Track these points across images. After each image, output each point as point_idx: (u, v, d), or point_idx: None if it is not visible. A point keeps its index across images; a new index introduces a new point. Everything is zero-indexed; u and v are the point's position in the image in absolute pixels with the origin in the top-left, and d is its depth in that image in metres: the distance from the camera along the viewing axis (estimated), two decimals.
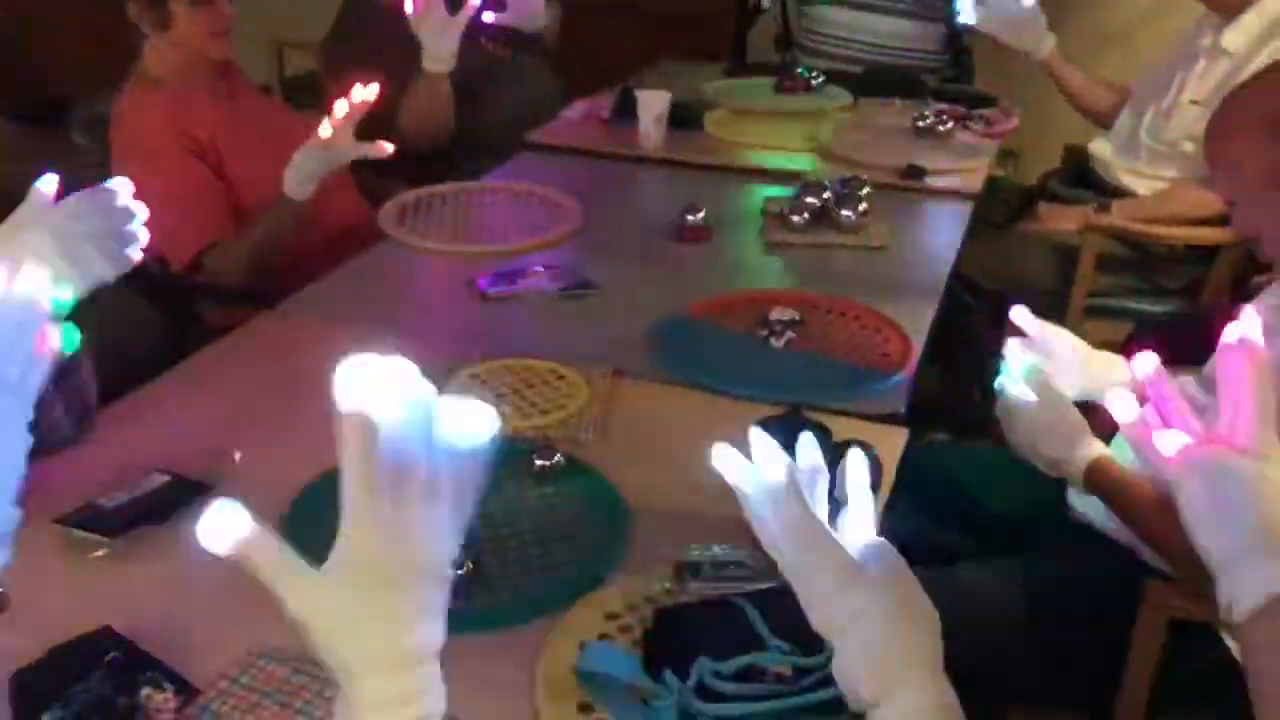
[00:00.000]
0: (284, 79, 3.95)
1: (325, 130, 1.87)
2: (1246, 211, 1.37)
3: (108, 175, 2.91)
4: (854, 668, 0.76)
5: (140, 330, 1.96)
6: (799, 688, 0.97)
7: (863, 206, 2.08)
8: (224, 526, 0.62)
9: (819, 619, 0.77)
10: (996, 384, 1.39)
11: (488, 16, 2.62)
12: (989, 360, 2.72)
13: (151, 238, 2.05)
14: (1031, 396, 1.33)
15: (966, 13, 2.74)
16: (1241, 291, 2.35)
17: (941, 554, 1.49)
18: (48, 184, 1.21)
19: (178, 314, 2.07)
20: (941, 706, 0.75)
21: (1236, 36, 2.43)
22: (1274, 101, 1.29)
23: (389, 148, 1.91)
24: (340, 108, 1.86)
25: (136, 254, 1.32)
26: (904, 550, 0.79)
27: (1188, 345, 1.62)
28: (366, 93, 1.86)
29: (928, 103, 2.81)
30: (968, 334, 2.44)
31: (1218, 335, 1.57)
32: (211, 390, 1.54)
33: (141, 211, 1.31)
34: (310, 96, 3.17)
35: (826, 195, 2.10)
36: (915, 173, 2.37)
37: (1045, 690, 1.46)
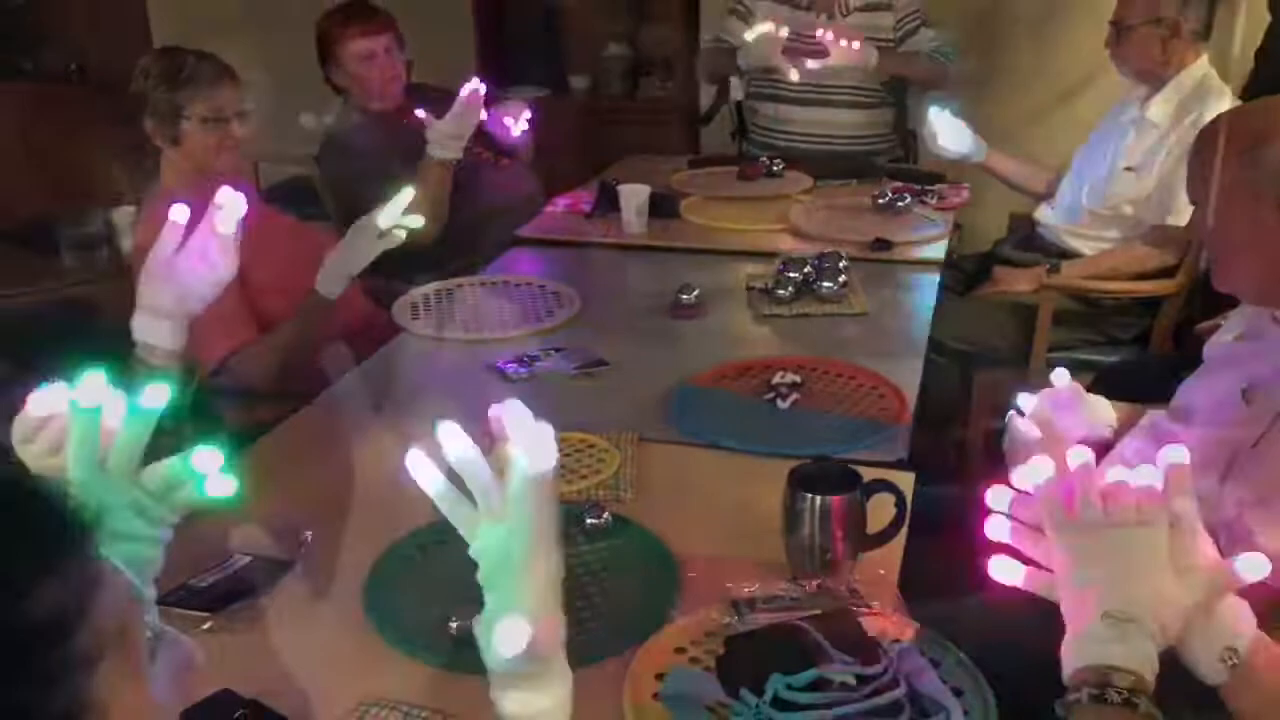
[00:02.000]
0: (260, 191, 4.09)
1: (385, 220, 2.00)
2: (1204, 216, 1.54)
3: (96, 293, 3.03)
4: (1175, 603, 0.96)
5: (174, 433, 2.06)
6: (864, 694, 1.09)
7: (842, 278, 2.25)
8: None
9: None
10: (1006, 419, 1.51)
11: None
12: (958, 414, 2.86)
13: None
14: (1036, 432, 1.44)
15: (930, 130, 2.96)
16: (1184, 338, 2.55)
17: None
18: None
19: (201, 416, 2.16)
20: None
21: (1159, 109, 2.67)
22: (1249, 124, 1.46)
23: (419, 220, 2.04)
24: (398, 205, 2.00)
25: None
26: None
27: (1145, 389, 1.79)
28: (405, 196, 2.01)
29: (883, 182, 3.02)
30: (939, 390, 2.61)
31: (1176, 375, 1.72)
32: (269, 480, 1.63)
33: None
34: (290, 205, 3.31)
35: (808, 269, 2.27)
36: (883, 245, 2.55)
37: None
